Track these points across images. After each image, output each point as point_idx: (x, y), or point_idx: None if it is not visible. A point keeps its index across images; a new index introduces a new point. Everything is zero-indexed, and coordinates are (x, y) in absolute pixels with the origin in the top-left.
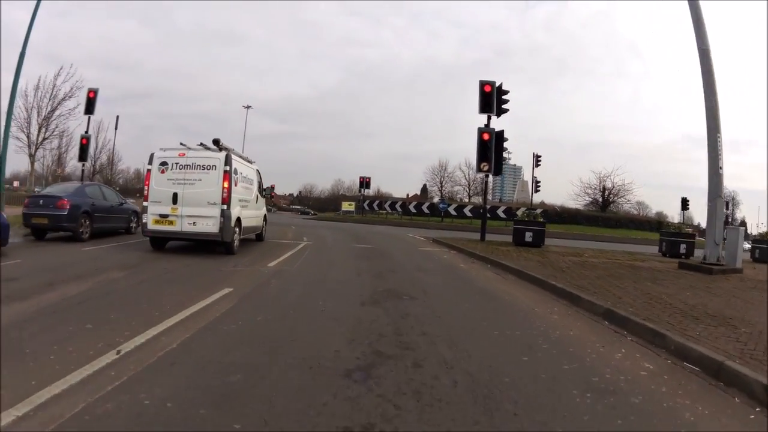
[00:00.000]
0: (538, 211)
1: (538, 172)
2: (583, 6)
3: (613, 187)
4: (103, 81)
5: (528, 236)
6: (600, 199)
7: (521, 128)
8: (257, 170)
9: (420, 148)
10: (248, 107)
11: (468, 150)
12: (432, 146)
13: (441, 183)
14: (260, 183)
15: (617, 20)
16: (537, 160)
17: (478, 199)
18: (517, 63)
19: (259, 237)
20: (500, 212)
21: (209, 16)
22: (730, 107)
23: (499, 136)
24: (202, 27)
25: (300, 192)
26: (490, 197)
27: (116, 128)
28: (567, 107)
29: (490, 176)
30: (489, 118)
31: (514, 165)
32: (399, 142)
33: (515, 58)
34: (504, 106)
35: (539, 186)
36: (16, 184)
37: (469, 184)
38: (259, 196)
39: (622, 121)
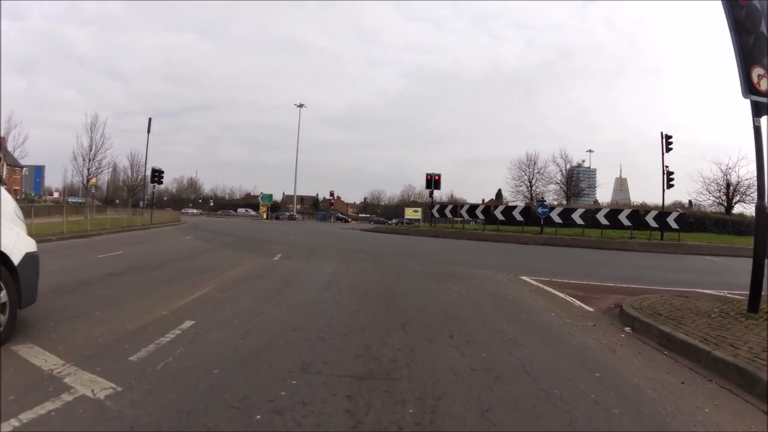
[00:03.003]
0: (675, 214)
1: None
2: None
3: (739, 182)
4: (165, 94)
5: None
6: (725, 198)
7: (588, 130)
8: None
9: (490, 152)
10: (301, 105)
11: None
12: (502, 150)
13: (530, 182)
14: None
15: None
16: (668, 142)
17: (573, 201)
18: (581, 62)
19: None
20: (623, 218)
21: (268, 24)
22: None
23: None
24: (262, 36)
25: (366, 199)
26: (564, 201)
27: (149, 131)
28: (632, 108)
29: None
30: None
31: (588, 167)
32: (466, 148)
33: (579, 57)
34: None
35: (673, 179)
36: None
37: (567, 181)
38: None
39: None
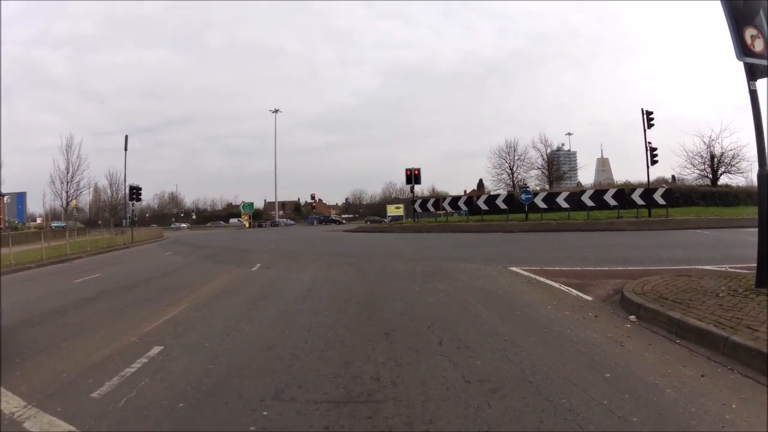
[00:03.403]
0: (661, 190)
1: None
2: None
3: (723, 153)
4: (143, 109)
5: None
6: (710, 170)
7: (567, 114)
8: None
9: (469, 143)
10: (276, 111)
11: (523, 137)
12: (481, 141)
13: (512, 169)
14: None
15: None
16: (649, 118)
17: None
18: (556, 48)
19: None
20: (609, 198)
21: (240, 33)
22: None
23: None
24: (235, 45)
25: (347, 199)
26: (547, 186)
27: (125, 149)
28: (610, 87)
29: None
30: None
31: (569, 150)
32: (448, 140)
33: (554, 43)
34: None
35: (656, 154)
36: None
37: (548, 165)
38: None
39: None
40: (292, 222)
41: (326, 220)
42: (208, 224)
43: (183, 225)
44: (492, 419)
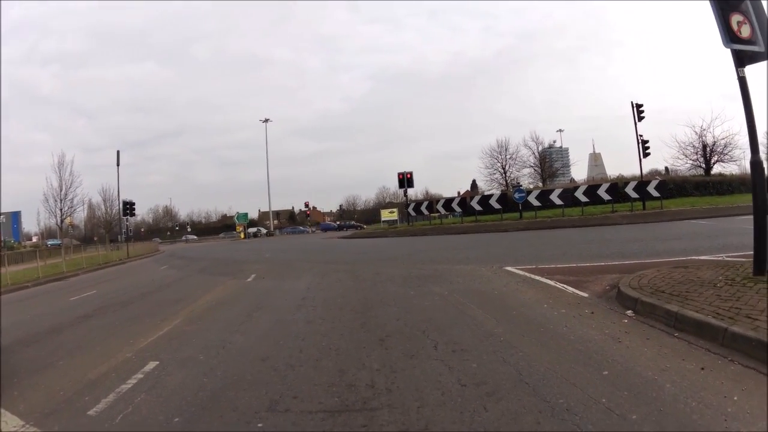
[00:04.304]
0: (654, 182)
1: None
2: None
3: (715, 142)
4: (133, 124)
5: None
6: (702, 160)
7: (557, 110)
8: None
9: (461, 145)
10: (266, 120)
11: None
12: (473, 141)
13: (504, 168)
14: None
15: None
16: (639, 111)
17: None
18: (543, 44)
19: None
20: (603, 192)
21: (227, 44)
22: None
23: None
24: (222, 56)
25: (341, 206)
26: (540, 184)
27: (118, 164)
28: (600, 81)
29: None
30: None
31: (560, 147)
32: (439, 142)
33: (541, 39)
34: None
35: (648, 147)
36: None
37: (541, 163)
38: None
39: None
40: (307, 230)
41: (346, 227)
42: (221, 235)
43: (193, 237)
44: (488, 423)
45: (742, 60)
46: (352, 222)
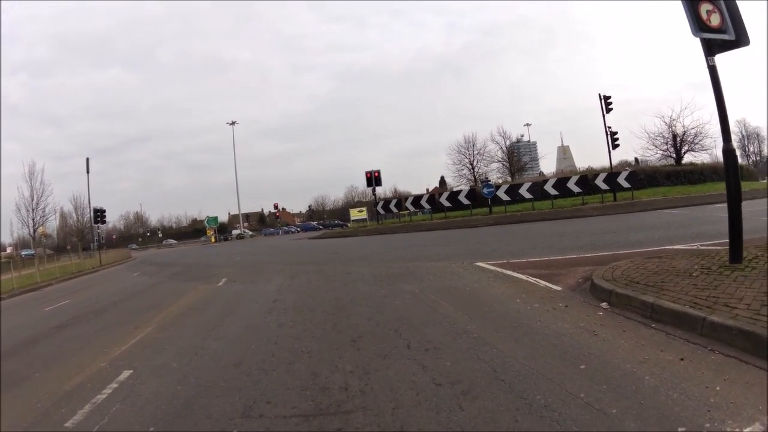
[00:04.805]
0: (624, 173)
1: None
2: None
3: (686, 131)
4: (100, 131)
5: None
6: (673, 150)
7: (524, 104)
8: None
9: (429, 141)
10: (233, 123)
11: (482, 130)
12: (441, 137)
13: (472, 164)
14: None
15: None
16: (607, 103)
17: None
18: (508, 39)
19: None
20: (572, 185)
21: (191, 47)
22: None
23: None
24: (187, 60)
25: (311, 206)
26: (509, 178)
27: (87, 172)
28: (567, 74)
29: None
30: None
31: (528, 141)
32: (407, 139)
33: (505, 34)
34: None
35: (617, 138)
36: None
37: (509, 158)
38: None
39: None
40: (290, 229)
41: (332, 225)
42: (202, 239)
43: (173, 241)
44: (465, 422)
45: (711, 49)
46: (336, 221)
